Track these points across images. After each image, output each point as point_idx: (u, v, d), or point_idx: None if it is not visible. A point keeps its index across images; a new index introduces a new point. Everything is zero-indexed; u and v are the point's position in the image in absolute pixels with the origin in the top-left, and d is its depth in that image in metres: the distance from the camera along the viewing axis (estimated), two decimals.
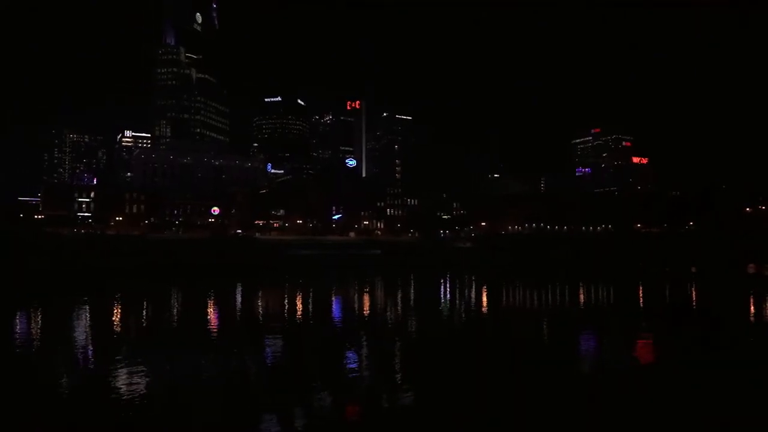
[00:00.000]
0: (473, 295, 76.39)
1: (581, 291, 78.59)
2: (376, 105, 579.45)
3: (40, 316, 52.48)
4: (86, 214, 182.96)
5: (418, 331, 47.30)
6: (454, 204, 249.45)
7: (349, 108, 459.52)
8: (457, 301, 68.23)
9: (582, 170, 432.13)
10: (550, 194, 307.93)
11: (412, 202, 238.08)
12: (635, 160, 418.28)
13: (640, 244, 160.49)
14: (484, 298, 71.08)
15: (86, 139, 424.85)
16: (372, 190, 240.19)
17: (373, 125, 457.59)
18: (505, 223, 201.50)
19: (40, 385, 28.67)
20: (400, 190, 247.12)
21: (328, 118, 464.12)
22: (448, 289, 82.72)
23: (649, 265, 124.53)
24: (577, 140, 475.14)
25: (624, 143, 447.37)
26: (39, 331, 45.13)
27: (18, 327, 46.28)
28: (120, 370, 30.82)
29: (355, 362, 34.71)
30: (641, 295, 75.68)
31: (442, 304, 65.26)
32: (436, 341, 41.62)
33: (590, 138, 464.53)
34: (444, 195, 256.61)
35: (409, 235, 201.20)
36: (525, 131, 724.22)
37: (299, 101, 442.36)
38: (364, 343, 41.08)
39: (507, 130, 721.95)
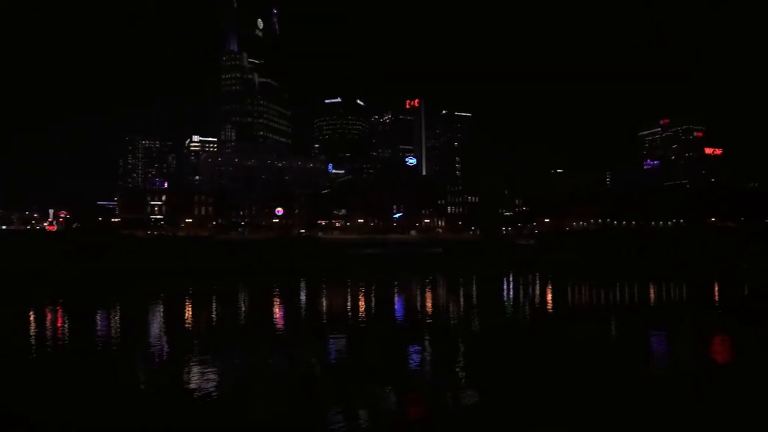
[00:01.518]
0: (538, 293, 75.09)
1: (652, 288, 75.82)
2: (435, 103, 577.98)
3: (119, 314, 55.33)
4: (159, 216, 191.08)
5: (483, 329, 46.98)
6: (516, 200, 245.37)
7: (408, 107, 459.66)
8: (522, 300, 67.26)
9: (650, 163, 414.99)
10: (617, 188, 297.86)
11: (473, 200, 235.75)
12: (708, 151, 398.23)
13: (714, 239, 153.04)
14: (550, 296, 69.76)
15: (157, 145, 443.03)
16: (432, 188, 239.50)
17: (432, 123, 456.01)
18: (570, 219, 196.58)
19: (120, 379, 30.38)
20: (460, 187, 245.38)
21: (388, 117, 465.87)
22: (512, 287, 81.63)
23: (724, 261, 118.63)
24: (645, 132, 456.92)
25: (696, 134, 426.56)
26: (119, 327, 47.60)
27: (100, 324, 48.99)
28: (193, 365, 32.20)
29: (418, 360, 34.88)
30: (717, 292, 72.28)
31: (507, 303, 64.50)
32: (501, 340, 41.25)
33: (659, 129, 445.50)
34: (506, 192, 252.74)
35: (471, 233, 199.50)
36: (589, 124, 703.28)
37: (358, 101, 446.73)
38: (427, 341, 41.17)
39: (570, 124, 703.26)
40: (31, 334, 44.03)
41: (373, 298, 69.01)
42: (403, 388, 28.29)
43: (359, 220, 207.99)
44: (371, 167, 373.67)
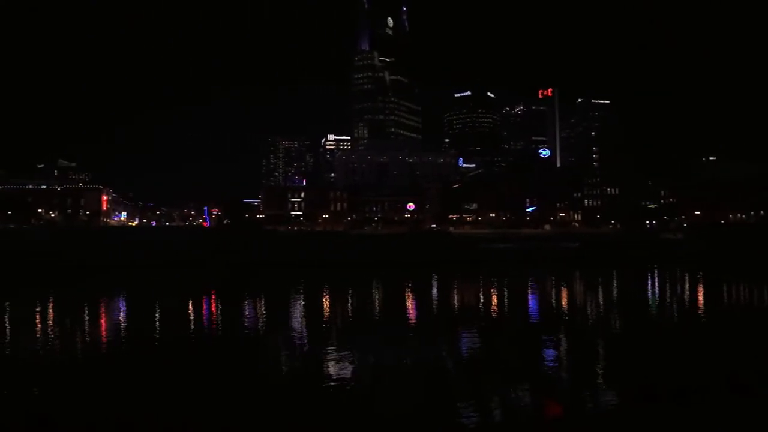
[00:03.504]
0: (687, 292, 69.45)
1: None
2: (569, 91, 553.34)
3: (264, 304, 59.38)
4: (298, 212, 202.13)
5: (623, 329, 44.46)
6: (662, 192, 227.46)
7: (540, 96, 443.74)
8: (669, 299, 62.62)
9: None
10: None
11: (613, 192, 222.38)
12: None
13: None
14: (701, 296, 64.24)
15: (296, 145, 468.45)
16: (568, 180, 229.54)
17: (567, 112, 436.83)
18: (725, 211, 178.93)
19: (261, 365, 32.71)
20: (598, 179, 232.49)
21: (519, 108, 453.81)
22: (656, 285, 76.23)
23: None
24: None
25: None
26: (264, 316, 51.10)
27: (247, 313, 52.96)
28: (329, 355, 33.77)
29: (553, 358, 33.81)
30: None
31: (650, 302, 60.37)
32: (640, 341, 38.77)
33: None
34: (649, 182, 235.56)
35: (610, 226, 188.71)
36: (746, 108, 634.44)
37: (489, 94, 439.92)
38: (562, 339, 39.74)
39: (722, 107, 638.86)
40: (190, 320, 48.67)
41: (505, 294, 67.87)
42: (536, 385, 27.64)
43: (491, 215, 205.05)
44: (502, 160, 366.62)
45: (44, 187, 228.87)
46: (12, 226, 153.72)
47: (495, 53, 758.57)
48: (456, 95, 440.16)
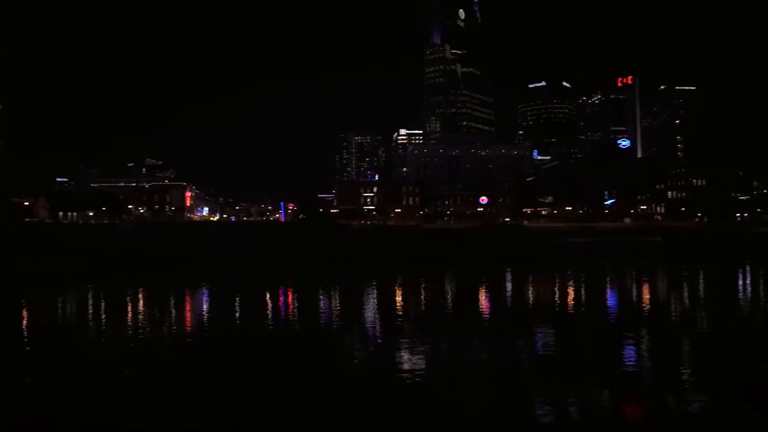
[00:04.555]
0: None
1: None
2: (651, 78, 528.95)
3: (338, 297, 60.66)
4: (371, 207, 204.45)
5: (711, 329, 42.32)
6: (755, 183, 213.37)
7: (620, 84, 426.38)
8: (763, 297, 58.96)
9: None
10: None
11: (699, 183, 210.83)
12: None
13: None
14: None
15: (368, 140, 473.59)
16: (649, 172, 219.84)
17: (648, 101, 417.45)
18: None
19: (335, 357, 33.54)
20: (683, 169, 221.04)
21: (597, 97, 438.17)
22: (750, 283, 71.86)
23: None
24: None
25: None
26: (338, 309, 52.24)
27: (323, 305, 54.30)
28: (401, 350, 34.16)
29: (631, 357, 32.69)
30: None
31: (742, 301, 56.98)
32: (730, 342, 36.77)
33: None
34: (740, 173, 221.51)
35: (696, 220, 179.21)
36: None
37: (564, 83, 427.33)
38: (643, 337, 38.29)
39: None
40: (267, 312, 50.50)
41: (583, 289, 66.07)
42: (615, 385, 26.90)
43: (567, 208, 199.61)
44: (579, 152, 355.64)
45: (134, 184, 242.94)
46: (106, 221, 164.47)
47: (571, 41, 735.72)
48: (530, 86, 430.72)
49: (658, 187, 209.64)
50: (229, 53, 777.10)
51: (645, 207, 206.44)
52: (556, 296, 60.69)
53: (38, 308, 54.15)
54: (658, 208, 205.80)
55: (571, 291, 64.32)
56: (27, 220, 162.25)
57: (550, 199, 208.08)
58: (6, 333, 41.54)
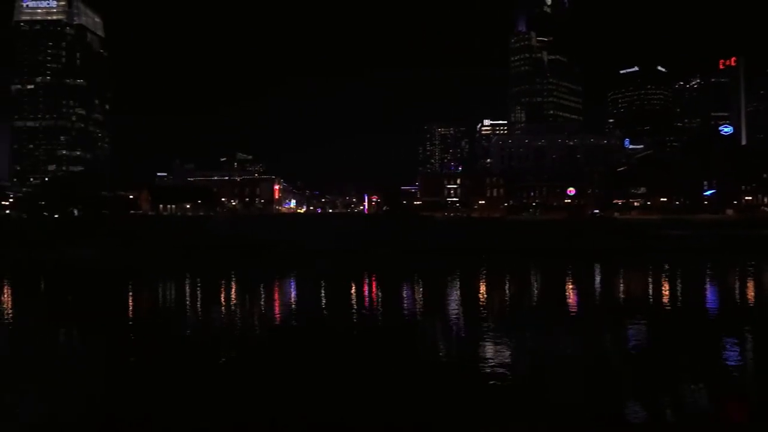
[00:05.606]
0: None
1: None
2: (756, 60, 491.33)
3: (422, 288, 61.11)
4: (454, 199, 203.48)
5: None
6: None
7: (722, 67, 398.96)
8: None
9: None
10: None
11: None
12: None
13: None
14: None
15: (452, 132, 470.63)
16: (755, 160, 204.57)
17: (753, 84, 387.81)
18: None
19: (418, 350, 33.96)
20: None
21: (695, 82, 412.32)
22: None
23: None
24: None
25: None
26: (422, 300, 52.68)
27: (406, 296, 54.91)
28: (486, 342, 34.06)
29: (733, 359, 30.91)
30: None
31: None
32: None
33: None
34: None
35: None
36: None
37: (659, 68, 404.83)
38: (746, 338, 36.02)
39: None
40: (351, 304, 51.76)
41: (678, 285, 62.87)
42: (711, 386, 25.63)
43: (662, 199, 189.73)
44: (675, 139, 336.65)
45: (226, 178, 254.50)
46: (201, 213, 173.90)
47: (665, 22, 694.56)
48: (621, 72, 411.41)
49: (764, 176, 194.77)
50: (318, 42, 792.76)
51: (750, 198, 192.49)
52: (650, 292, 58.14)
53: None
54: (765, 199, 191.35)
55: (667, 287, 61.32)
56: (132, 212, 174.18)
57: (643, 189, 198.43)
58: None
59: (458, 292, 58.64)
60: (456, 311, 46.94)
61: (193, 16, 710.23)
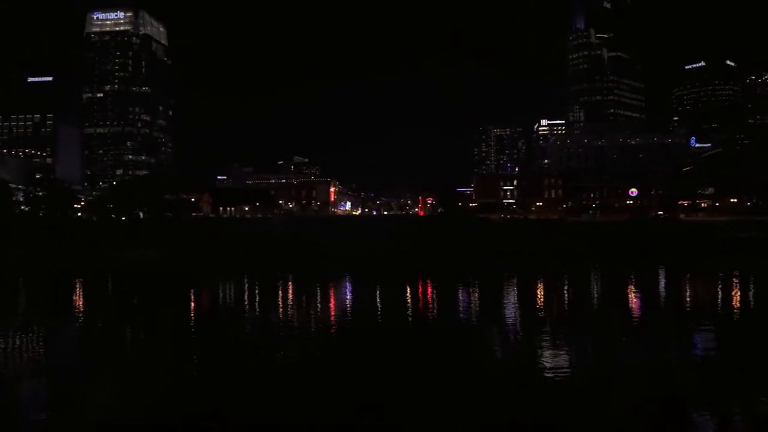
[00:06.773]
0: None
1: None
2: None
3: (478, 292, 60.42)
4: (510, 200, 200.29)
5: None
6: None
7: None
8: None
9: None
10: None
11: None
12: None
13: None
14: None
15: (508, 132, 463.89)
16: None
17: None
18: None
19: (475, 353, 33.54)
20: None
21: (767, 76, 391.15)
22: None
23: None
24: None
25: None
26: (479, 303, 52.05)
27: (461, 299, 54.36)
28: (545, 348, 33.29)
29: None
30: None
31: None
32: None
33: None
34: None
35: None
36: None
37: (728, 62, 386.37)
38: None
39: None
40: (408, 304, 51.71)
41: (751, 289, 59.75)
42: None
43: (731, 200, 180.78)
44: (746, 137, 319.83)
45: (284, 180, 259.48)
46: (259, 215, 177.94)
47: (733, 14, 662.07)
48: (686, 67, 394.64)
49: None
50: (378, 40, 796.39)
51: None
52: (719, 295, 55.52)
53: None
54: None
55: (735, 293, 58.32)
56: (193, 214, 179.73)
57: (711, 190, 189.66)
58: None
59: (515, 296, 57.68)
60: (512, 315, 46.17)
61: (248, 21, 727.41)
